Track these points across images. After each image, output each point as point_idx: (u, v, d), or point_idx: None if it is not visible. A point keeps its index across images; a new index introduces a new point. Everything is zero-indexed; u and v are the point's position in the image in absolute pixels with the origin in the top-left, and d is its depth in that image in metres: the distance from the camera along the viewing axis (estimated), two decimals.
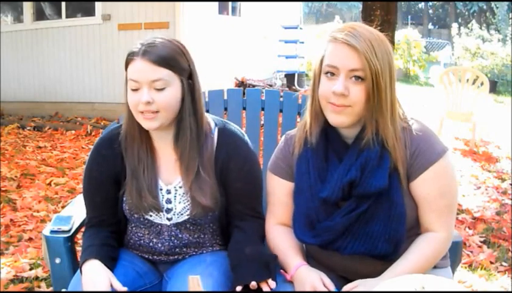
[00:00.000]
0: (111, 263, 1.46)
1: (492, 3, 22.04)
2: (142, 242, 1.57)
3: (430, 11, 34.28)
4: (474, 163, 5.36)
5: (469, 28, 14.87)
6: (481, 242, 3.26)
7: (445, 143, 1.42)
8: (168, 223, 1.53)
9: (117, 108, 5.78)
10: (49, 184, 4.42)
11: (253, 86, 8.12)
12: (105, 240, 1.51)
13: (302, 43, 10.45)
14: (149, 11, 6.96)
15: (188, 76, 1.46)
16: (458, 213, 3.55)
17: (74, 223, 1.66)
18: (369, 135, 1.35)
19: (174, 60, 1.42)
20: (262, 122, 2.09)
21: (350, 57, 1.30)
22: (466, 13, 28.88)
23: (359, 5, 15.18)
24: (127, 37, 6.98)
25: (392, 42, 5.29)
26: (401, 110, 1.41)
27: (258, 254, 1.41)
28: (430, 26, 32.93)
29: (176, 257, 1.57)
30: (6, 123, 7.05)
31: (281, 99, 2.07)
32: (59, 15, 7.68)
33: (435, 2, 32.97)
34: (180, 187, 1.51)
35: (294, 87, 9.80)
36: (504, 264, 2.96)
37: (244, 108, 2.08)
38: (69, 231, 1.62)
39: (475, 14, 27.32)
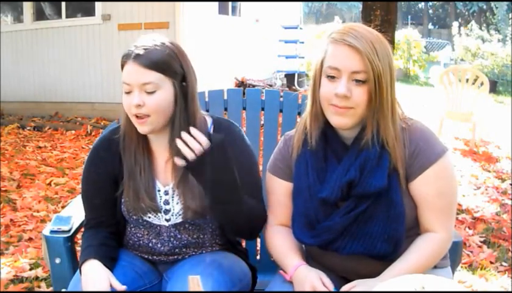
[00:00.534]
0: (110, 263, 1.46)
1: (492, 3, 22.03)
2: (141, 242, 1.57)
3: (430, 11, 34.29)
4: (474, 163, 5.36)
5: (469, 29, 14.87)
6: (481, 242, 3.26)
7: (444, 143, 1.42)
8: (167, 224, 1.53)
9: (117, 108, 5.70)
10: (49, 184, 4.42)
11: (253, 86, 8.13)
12: (103, 240, 1.51)
13: (302, 43, 10.45)
14: (149, 11, 6.96)
15: (181, 79, 1.45)
16: (458, 213, 3.55)
17: (74, 223, 1.66)
18: (368, 135, 1.35)
19: (166, 63, 1.42)
20: (262, 122, 2.09)
21: (352, 59, 1.30)
22: (466, 13, 28.88)
23: (359, 5, 15.19)
24: (127, 37, 6.97)
25: (392, 42, 5.29)
26: (401, 110, 1.41)
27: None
28: (430, 26, 32.93)
29: (176, 257, 1.57)
30: (6, 123, 7.05)
31: (281, 99, 2.07)
32: (59, 15, 7.68)
33: (435, 2, 32.97)
34: (178, 188, 1.51)
35: (294, 87, 9.81)
36: (504, 264, 2.96)
37: (244, 108, 2.08)
38: (69, 231, 1.62)
39: (475, 14, 27.33)
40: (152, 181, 1.51)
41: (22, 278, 2.69)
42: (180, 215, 1.51)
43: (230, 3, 9.06)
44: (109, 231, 1.55)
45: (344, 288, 1.36)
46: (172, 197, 1.52)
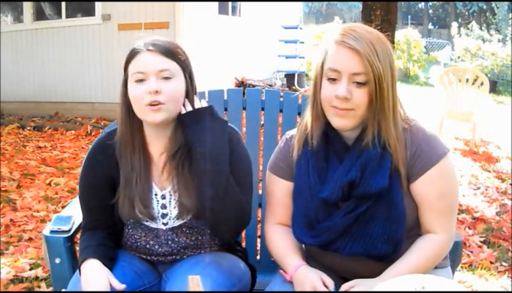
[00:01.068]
0: (109, 262, 1.46)
1: (492, 3, 22.04)
2: (139, 244, 1.56)
3: (430, 11, 34.29)
4: (474, 163, 5.36)
5: (469, 29, 14.87)
6: (481, 242, 3.26)
7: (446, 145, 1.42)
8: (164, 227, 1.52)
9: (117, 108, 5.71)
10: (49, 184, 4.42)
11: (253, 86, 8.12)
12: (102, 240, 1.50)
13: (302, 43, 10.45)
14: (149, 11, 6.96)
15: (189, 75, 1.48)
16: (458, 214, 3.54)
17: (74, 223, 1.66)
18: (369, 136, 1.35)
19: (180, 54, 1.45)
20: (262, 122, 2.09)
21: (352, 60, 1.30)
22: (466, 13, 28.88)
23: (359, 5, 15.19)
24: (127, 37, 6.97)
25: (392, 42, 5.30)
26: (402, 111, 1.41)
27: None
28: (430, 26, 32.94)
29: (174, 257, 1.57)
30: (6, 123, 7.05)
31: (281, 99, 2.07)
32: (59, 15, 7.68)
33: (435, 2, 32.98)
34: (175, 192, 1.50)
35: (294, 87, 9.80)
36: (504, 264, 2.96)
37: (244, 108, 2.08)
38: (69, 231, 1.62)
39: (475, 14, 27.33)
40: (148, 187, 1.50)
41: (22, 278, 2.69)
42: (177, 218, 1.51)
43: (230, 3, 9.06)
44: (107, 232, 1.54)
45: (343, 287, 1.36)
46: (170, 201, 1.51)
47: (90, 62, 7.36)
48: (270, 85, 9.22)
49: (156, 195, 1.52)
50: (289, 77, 10.20)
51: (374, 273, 1.36)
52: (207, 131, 1.43)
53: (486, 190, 4.44)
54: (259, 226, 1.94)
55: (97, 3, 7.25)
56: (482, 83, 6.03)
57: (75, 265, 1.57)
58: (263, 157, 2.04)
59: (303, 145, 1.46)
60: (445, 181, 1.37)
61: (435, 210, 1.37)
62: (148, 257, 1.58)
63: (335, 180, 1.37)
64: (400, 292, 1.11)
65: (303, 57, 10.42)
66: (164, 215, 1.52)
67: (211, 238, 1.57)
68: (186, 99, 1.46)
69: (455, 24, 15.27)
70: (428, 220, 1.38)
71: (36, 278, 2.69)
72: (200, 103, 1.48)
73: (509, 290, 2.68)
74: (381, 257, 1.36)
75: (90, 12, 7.35)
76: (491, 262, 2.96)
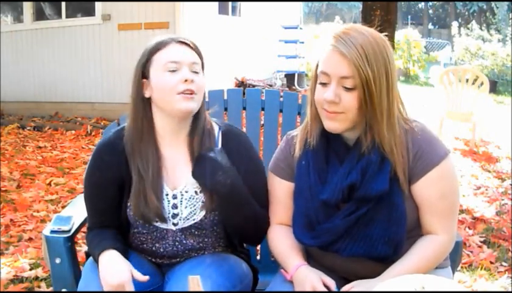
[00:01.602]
0: (126, 256, 1.44)
1: (492, 3, 22.04)
2: (145, 246, 1.55)
3: (430, 11, 34.30)
4: (474, 163, 5.36)
5: (469, 29, 14.87)
6: (481, 242, 3.26)
7: (447, 146, 1.42)
8: (174, 228, 1.51)
9: (117, 108, 5.77)
10: (49, 184, 4.42)
11: (253, 86, 8.13)
12: (115, 236, 1.49)
13: (302, 43, 10.45)
14: (149, 11, 6.96)
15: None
16: (458, 214, 3.54)
17: (74, 223, 1.66)
18: (369, 138, 1.35)
19: (202, 54, 1.53)
20: (262, 122, 2.09)
21: (341, 65, 1.30)
22: (466, 13, 28.89)
23: (359, 5, 15.17)
24: (127, 37, 6.98)
25: (392, 42, 5.30)
26: (405, 112, 1.41)
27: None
28: (430, 26, 32.95)
29: (178, 259, 1.56)
30: (6, 123, 7.05)
31: (281, 99, 2.07)
32: (59, 15, 7.68)
33: (435, 2, 32.99)
34: (186, 192, 1.50)
35: (294, 87, 9.81)
36: (504, 264, 2.96)
37: (244, 108, 2.08)
38: (69, 231, 1.62)
39: (475, 14, 27.34)
40: (160, 182, 1.49)
41: (22, 278, 2.69)
42: (188, 219, 1.50)
43: (230, 3, 9.06)
44: (114, 231, 1.53)
45: (344, 288, 1.36)
46: (181, 201, 1.50)
47: (90, 62, 7.36)
48: (270, 85, 9.23)
49: (167, 195, 1.50)
50: (289, 77, 10.20)
51: (374, 274, 1.36)
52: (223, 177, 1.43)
53: (486, 190, 4.44)
54: None
55: (97, 3, 7.25)
56: (482, 83, 6.03)
57: (75, 265, 1.57)
58: (263, 157, 2.04)
59: (304, 145, 1.46)
60: (446, 182, 1.37)
61: (436, 211, 1.37)
62: (153, 259, 1.58)
63: (335, 183, 1.37)
64: (400, 292, 1.11)
65: (303, 57, 10.42)
66: (174, 215, 1.50)
67: (216, 240, 1.57)
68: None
69: (455, 24, 15.29)
70: (429, 220, 1.38)
71: (36, 278, 2.69)
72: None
73: (509, 290, 2.68)
74: (382, 259, 1.36)
75: (90, 12, 7.35)
76: (491, 262, 2.96)
